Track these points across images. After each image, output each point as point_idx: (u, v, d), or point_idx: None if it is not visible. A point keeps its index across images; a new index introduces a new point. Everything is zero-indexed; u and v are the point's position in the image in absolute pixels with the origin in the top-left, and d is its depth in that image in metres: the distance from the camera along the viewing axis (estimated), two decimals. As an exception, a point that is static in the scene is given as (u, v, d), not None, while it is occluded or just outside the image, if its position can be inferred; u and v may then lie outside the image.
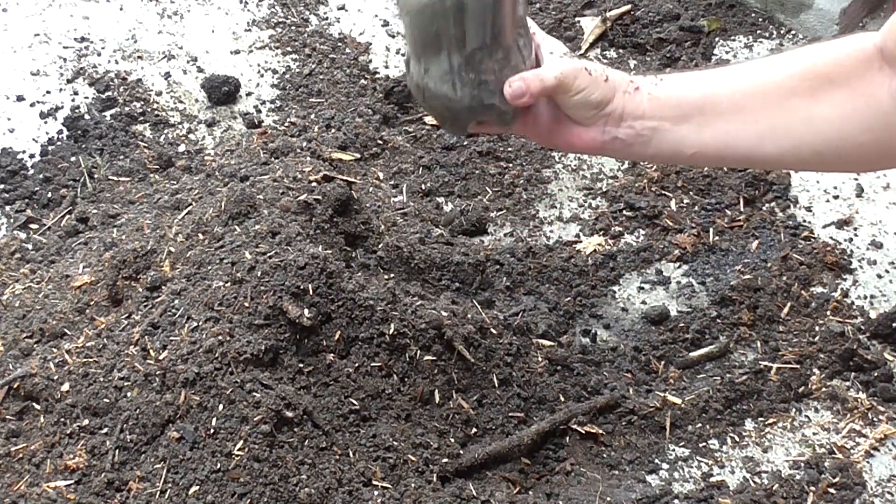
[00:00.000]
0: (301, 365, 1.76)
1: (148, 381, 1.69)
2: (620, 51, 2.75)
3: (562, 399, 1.94)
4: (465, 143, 2.50)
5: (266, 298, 1.74)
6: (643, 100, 1.38)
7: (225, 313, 1.74)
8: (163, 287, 1.87)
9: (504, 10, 1.40)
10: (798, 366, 2.01)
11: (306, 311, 1.75)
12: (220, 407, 1.65)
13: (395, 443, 1.78)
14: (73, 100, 2.56)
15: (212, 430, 1.63)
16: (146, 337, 1.75)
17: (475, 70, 1.38)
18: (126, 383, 1.69)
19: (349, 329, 1.81)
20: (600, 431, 1.90)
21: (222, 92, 2.59)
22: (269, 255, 1.79)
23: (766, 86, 1.32)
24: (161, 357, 1.71)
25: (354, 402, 1.79)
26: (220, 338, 1.70)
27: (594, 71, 1.37)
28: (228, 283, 1.77)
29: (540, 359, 1.98)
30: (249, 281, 1.76)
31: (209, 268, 1.83)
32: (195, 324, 1.73)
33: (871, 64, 1.25)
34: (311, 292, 1.76)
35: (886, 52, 1.24)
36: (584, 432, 1.89)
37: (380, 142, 2.49)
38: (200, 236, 1.93)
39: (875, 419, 1.95)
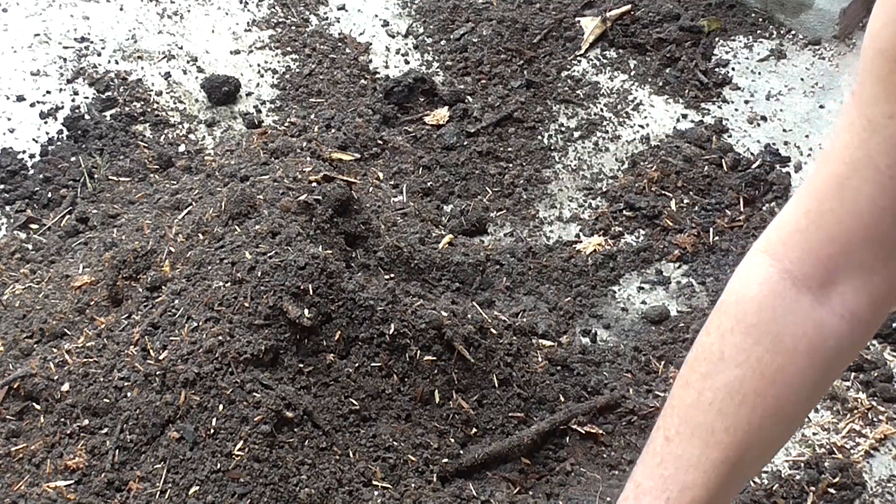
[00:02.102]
0: (301, 365, 1.76)
1: (148, 381, 1.69)
2: (620, 51, 2.75)
3: (562, 399, 1.93)
4: (465, 143, 2.50)
5: (266, 298, 1.74)
6: None
7: (225, 313, 1.74)
8: (163, 287, 1.87)
9: None
10: (798, 366, 2.01)
11: (306, 311, 1.75)
12: (221, 407, 1.65)
13: (395, 443, 1.78)
14: (73, 100, 2.56)
15: (212, 430, 1.63)
16: (146, 337, 1.75)
17: None
18: (126, 383, 1.69)
19: (349, 329, 1.81)
20: (600, 431, 1.90)
21: (222, 92, 2.59)
22: (269, 255, 1.79)
23: (743, 436, 1.12)
24: (161, 357, 1.71)
25: (354, 402, 1.79)
26: (220, 338, 1.70)
27: None
28: (228, 284, 1.77)
29: (540, 359, 1.98)
30: (249, 281, 1.76)
31: (209, 268, 1.83)
32: (195, 324, 1.73)
33: (796, 304, 1.10)
34: (311, 292, 1.76)
35: (803, 275, 1.09)
36: (584, 432, 1.89)
37: (380, 142, 2.49)
38: (200, 236, 1.93)
39: (875, 419, 1.95)
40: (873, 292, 1.10)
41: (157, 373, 1.69)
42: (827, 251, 1.10)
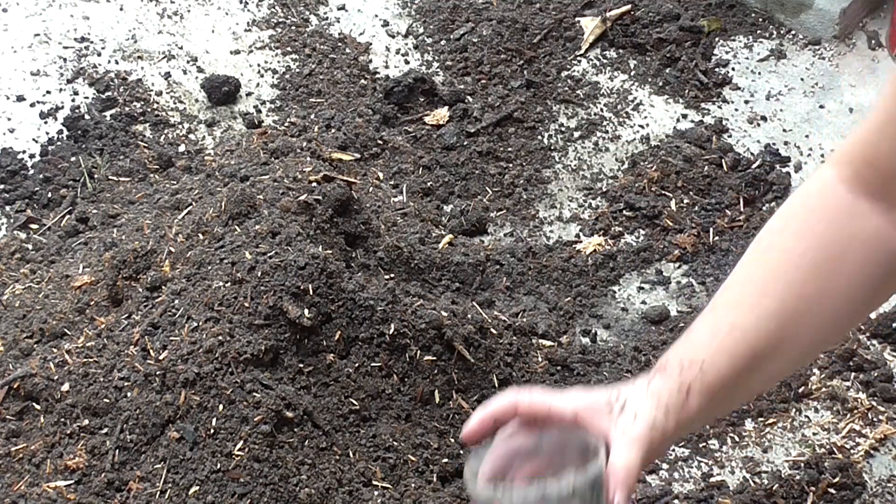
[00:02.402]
0: (301, 365, 1.76)
1: (148, 381, 1.69)
2: (620, 51, 2.75)
3: (562, 399, 1.93)
4: (465, 143, 2.50)
5: (266, 298, 1.74)
6: (694, 402, 1.16)
7: (225, 313, 1.74)
8: (163, 287, 1.87)
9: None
10: (798, 366, 2.01)
11: (306, 311, 1.75)
12: (221, 407, 1.65)
13: (395, 443, 1.78)
14: (73, 100, 2.56)
15: (212, 430, 1.63)
16: (146, 337, 1.75)
17: None
18: (126, 383, 1.69)
19: (349, 329, 1.81)
20: None
21: (222, 92, 2.59)
22: (269, 255, 1.79)
23: (795, 303, 1.17)
24: (161, 357, 1.71)
25: (354, 402, 1.79)
26: (220, 338, 1.70)
27: (629, 424, 1.15)
28: (228, 284, 1.77)
29: (540, 359, 1.98)
30: (249, 281, 1.76)
31: (209, 268, 1.83)
32: (195, 324, 1.73)
33: (857, 209, 1.13)
34: (311, 292, 1.76)
35: (864, 182, 1.11)
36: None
37: (380, 142, 2.49)
38: (200, 236, 1.93)
39: (875, 419, 1.95)
40: None
41: (157, 373, 1.69)
42: (893, 165, 1.11)
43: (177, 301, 1.80)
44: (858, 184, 1.14)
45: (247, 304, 1.74)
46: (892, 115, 1.10)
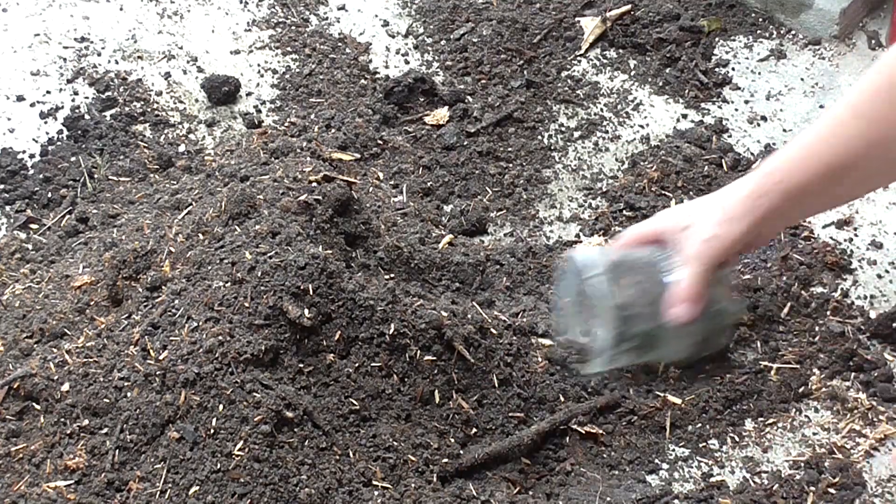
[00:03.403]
0: (301, 365, 1.76)
1: (148, 381, 1.69)
2: (620, 51, 2.75)
3: (562, 399, 1.93)
4: (465, 143, 2.50)
5: (266, 298, 1.74)
6: (779, 201, 1.32)
7: (225, 313, 1.74)
8: (163, 287, 1.87)
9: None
10: (798, 366, 2.01)
11: (306, 311, 1.75)
12: (221, 407, 1.65)
13: (395, 443, 1.78)
14: (73, 100, 2.56)
15: (212, 430, 1.63)
16: (146, 337, 1.75)
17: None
18: (126, 383, 1.69)
19: (349, 329, 1.81)
20: (600, 431, 1.90)
21: (222, 92, 2.59)
22: (269, 255, 1.79)
23: (871, 147, 1.28)
24: (161, 357, 1.71)
25: (354, 402, 1.79)
26: (220, 338, 1.70)
27: (708, 222, 1.31)
28: (228, 284, 1.77)
29: (540, 359, 1.98)
30: (249, 281, 1.76)
31: (209, 268, 1.83)
32: (195, 324, 1.73)
33: None
34: (311, 292, 1.76)
35: None
36: (584, 432, 1.89)
37: (380, 142, 2.49)
38: (200, 236, 1.93)
39: (875, 419, 1.95)
40: None
41: (157, 373, 1.69)
42: None
43: (177, 301, 1.80)
44: None
45: (247, 304, 1.74)
46: None
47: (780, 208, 1.32)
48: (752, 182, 1.32)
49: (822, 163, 1.32)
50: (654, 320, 1.33)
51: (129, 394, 1.67)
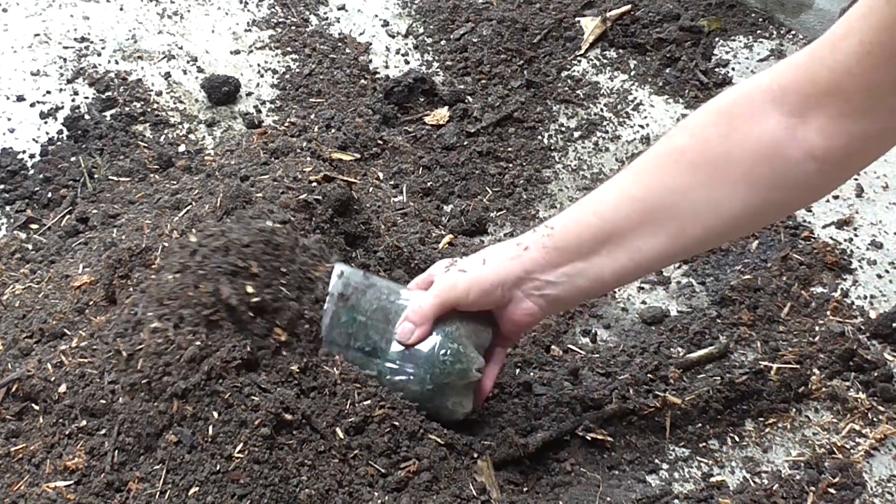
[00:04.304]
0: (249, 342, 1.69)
1: (134, 389, 1.66)
2: (620, 51, 2.75)
3: (567, 410, 1.93)
4: (465, 143, 2.50)
5: (204, 285, 1.65)
6: (541, 254, 1.37)
7: (174, 308, 1.67)
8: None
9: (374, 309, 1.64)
10: (798, 366, 2.01)
11: (249, 288, 1.64)
12: (216, 414, 1.64)
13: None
14: (73, 100, 2.56)
15: (210, 435, 1.63)
16: (118, 339, 1.73)
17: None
18: (116, 387, 1.68)
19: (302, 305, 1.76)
20: (607, 438, 1.89)
21: (222, 92, 2.59)
22: (214, 235, 1.71)
23: (661, 194, 1.26)
24: (139, 365, 1.68)
25: (354, 404, 1.78)
26: (168, 335, 1.64)
27: (468, 266, 1.39)
28: (178, 273, 1.69)
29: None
30: (190, 266, 1.68)
31: (171, 259, 1.77)
32: (154, 323, 1.67)
33: (764, 117, 1.19)
34: (252, 270, 1.66)
35: (789, 101, 1.17)
36: (590, 439, 1.88)
37: (380, 142, 2.49)
38: (194, 231, 1.92)
39: (875, 419, 1.95)
40: (850, 131, 1.19)
41: (143, 381, 1.65)
42: (812, 85, 1.19)
43: (141, 298, 1.73)
44: (776, 95, 1.19)
45: (191, 294, 1.67)
46: (821, 43, 1.21)
47: (542, 264, 1.33)
48: (528, 233, 1.35)
49: (591, 223, 1.33)
50: (383, 334, 1.58)
51: (120, 399, 1.66)
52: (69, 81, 2.61)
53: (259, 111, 2.58)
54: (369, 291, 1.63)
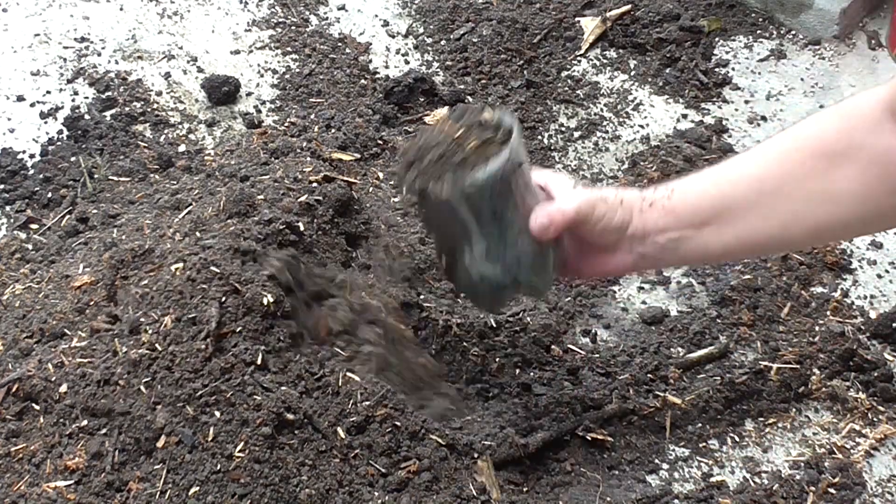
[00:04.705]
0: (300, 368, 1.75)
1: (136, 392, 1.67)
2: (620, 51, 2.75)
3: (568, 410, 1.93)
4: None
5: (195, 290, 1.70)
6: (660, 214, 1.37)
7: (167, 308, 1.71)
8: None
9: (515, 188, 1.45)
10: (798, 366, 2.01)
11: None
12: (218, 414, 1.64)
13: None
14: (73, 100, 2.56)
15: (211, 434, 1.63)
16: (115, 340, 1.74)
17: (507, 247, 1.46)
18: (117, 388, 1.68)
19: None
20: (608, 438, 1.89)
21: (222, 92, 2.59)
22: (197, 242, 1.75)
23: (778, 177, 1.28)
24: (142, 379, 1.69)
25: (356, 404, 1.79)
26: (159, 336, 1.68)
27: (610, 197, 1.37)
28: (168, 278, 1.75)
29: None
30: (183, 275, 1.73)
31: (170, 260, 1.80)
32: (156, 317, 1.71)
33: (881, 126, 1.21)
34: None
35: None
36: (590, 439, 1.88)
37: (380, 142, 2.49)
38: (198, 234, 1.93)
39: (875, 419, 1.95)
40: None
41: (143, 389, 1.66)
42: None
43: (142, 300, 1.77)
44: (892, 106, 1.21)
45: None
46: None
47: (659, 225, 1.34)
48: (650, 189, 1.36)
49: (709, 194, 1.33)
50: (510, 217, 1.42)
51: (121, 400, 1.66)
52: (69, 81, 2.61)
53: (259, 111, 2.58)
54: (527, 171, 1.47)
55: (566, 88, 2.65)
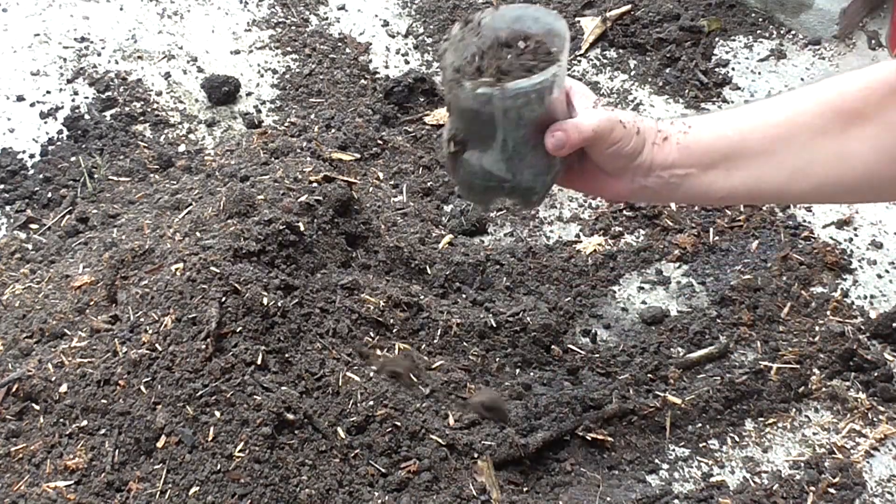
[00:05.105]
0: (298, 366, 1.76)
1: (136, 392, 1.67)
2: (620, 51, 2.75)
3: (568, 410, 1.93)
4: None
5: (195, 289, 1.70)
6: (672, 150, 1.35)
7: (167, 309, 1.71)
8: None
9: (552, 105, 1.41)
10: (798, 366, 2.01)
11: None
12: (218, 414, 1.64)
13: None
14: (73, 100, 2.56)
15: (211, 434, 1.63)
16: (114, 340, 1.74)
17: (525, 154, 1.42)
18: (117, 388, 1.68)
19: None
20: (608, 438, 1.89)
21: (222, 92, 2.59)
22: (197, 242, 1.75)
23: (794, 126, 1.28)
24: (141, 380, 1.69)
25: (356, 404, 1.79)
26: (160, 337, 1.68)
27: (627, 123, 1.35)
28: (168, 277, 1.75)
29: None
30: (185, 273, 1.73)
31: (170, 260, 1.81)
32: (159, 316, 1.71)
33: None
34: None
35: None
36: (590, 439, 1.88)
37: (380, 142, 2.49)
38: (198, 234, 1.93)
39: (875, 419, 1.95)
40: None
41: (144, 392, 1.67)
42: None
43: (142, 300, 1.77)
44: None
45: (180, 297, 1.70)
46: None
47: (669, 160, 1.33)
48: (666, 121, 1.36)
49: (726, 135, 1.33)
50: (535, 127, 1.39)
51: (121, 400, 1.66)
52: (69, 81, 2.61)
53: (259, 111, 2.58)
54: (562, 85, 1.43)
55: (566, 88, 2.65)
